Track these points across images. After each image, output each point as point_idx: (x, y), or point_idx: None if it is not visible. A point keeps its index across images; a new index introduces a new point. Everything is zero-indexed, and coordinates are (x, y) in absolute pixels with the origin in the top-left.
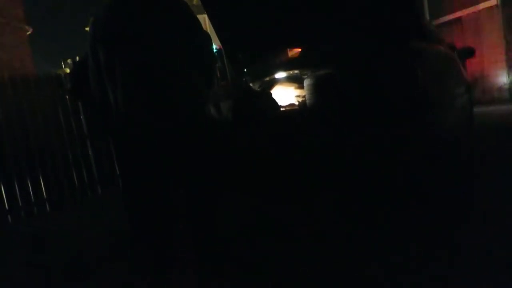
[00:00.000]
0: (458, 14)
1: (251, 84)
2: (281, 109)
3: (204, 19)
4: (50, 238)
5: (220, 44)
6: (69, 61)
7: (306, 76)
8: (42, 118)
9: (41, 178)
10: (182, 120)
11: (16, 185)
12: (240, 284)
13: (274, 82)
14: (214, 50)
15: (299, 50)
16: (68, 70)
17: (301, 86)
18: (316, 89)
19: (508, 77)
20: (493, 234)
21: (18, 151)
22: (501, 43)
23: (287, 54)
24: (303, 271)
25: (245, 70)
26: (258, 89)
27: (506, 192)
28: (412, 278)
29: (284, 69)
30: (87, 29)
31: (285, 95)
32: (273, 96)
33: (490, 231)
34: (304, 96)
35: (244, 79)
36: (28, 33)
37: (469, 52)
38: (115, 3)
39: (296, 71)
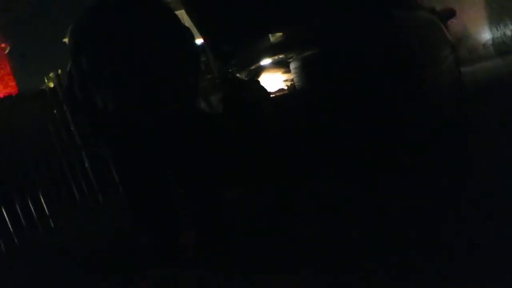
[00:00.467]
0: None
1: (238, 75)
2: (271, 95)
3: (181, 14)
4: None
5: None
6: (51, 75)
7: (291, 60)
8: (31, 135)
9: (40, 195)
10: (172, 114)
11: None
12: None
13: (260, 69)
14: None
15: (281, 33)
16: (52, 85)
17: (287, 70)
18: (303, 71)
19: (491, 32)
20: None
21: (12, 169)
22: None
23: (270, 39)
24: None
25: (230, 61)
26: (246, 79)
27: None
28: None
29: (269, 55)
30: (65, 40)
31: (273, 81)
32: (261, 83)
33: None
34: (292, 80)
35: (230, 70)
36: (5, 51)
37: (450, 13)
38: (94, 8)
39: (281, 56)
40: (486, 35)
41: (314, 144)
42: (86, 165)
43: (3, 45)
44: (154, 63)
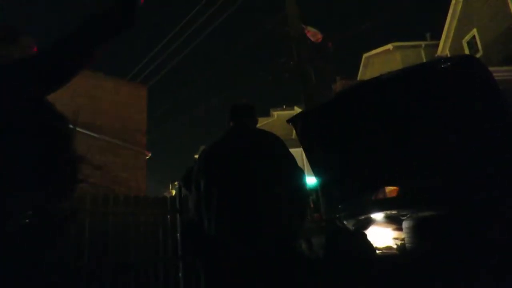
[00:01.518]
0: None
1: (345, 222)
2: (377, 251)
3: (300, 153)
4: None
5: (314, 177)
6: (176, 183)
7: (405, 217)
8: (144, 234)
9: None
10: (270, 251)
11: None
12: None
13: (369, 221)
14: (308, 185)
15: (397, 188)
16: (174, 192)
17: (399, 228)
18: (417, 232)
19: None
20: None
21: (118, 260)
22: None
23: (384, 192)
24: None
25: (339, 206)
26: (353, 228)
27: None
28: None
29: (381, 208)
30: (196, 156)
31: (382, 236)
32: (368, 237)
33: None
34: (403, 239)
35: (338, 215)
36: (147, 157)
37: None
38: (224, 139)
39: (393, 211)
40: None
41: None
42: (180, 274)
43: (146, 152)
44: (263, 199)
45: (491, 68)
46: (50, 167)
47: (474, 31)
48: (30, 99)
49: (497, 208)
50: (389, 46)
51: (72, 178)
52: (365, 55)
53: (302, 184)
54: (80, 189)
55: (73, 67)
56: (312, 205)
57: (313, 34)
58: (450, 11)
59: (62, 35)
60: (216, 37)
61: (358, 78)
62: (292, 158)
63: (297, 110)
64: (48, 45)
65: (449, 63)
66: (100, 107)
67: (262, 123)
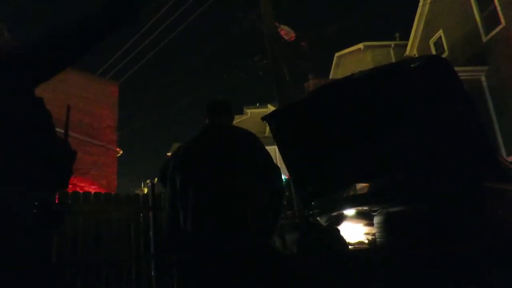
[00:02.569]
0: None
1: (318, 218)
2: (349, 246)
3: (274, 150)
4: None
5: (288, 174)
6: (148, 182)
7: (375, 213)
8: (115, 233)
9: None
10: (247, 247)
11: None
12: None
13: (341, 217)
14: (283, 180)
15: (368, 185)
16: (146, 190)
17: (370, 223)
18: (386, 227)
19: None
20: None
21: (88, 259)
22: None
23: (356, 188)
24: None
25: (312, 202)
26: (325, 224)
27: None
28: None
29: (352, 205)
30: (169, 154)
31: (353, 232)
32: (340, 232)
33: None
34: (374, 234)
35: (311, 212)
36: (118, 155)
37: None
38: (200, 136)
39: (364, 207)
40: None
41: None
42: (153, 273)
43: (117, 149)
44: (238, 192)
45: (457, 68)
46: (51, 160)
47: (441, 32)
48: (24, 93)
49: (462, 203)
50: (360, 46)
51: (68, 171)
52: (337, 54)
53: (278, 180)
54: None
55: (66, 62)
56: (285, 202)
57: (286, 32)
58: (418, 12)
59: (59, 28)
60: (190, 34)
61: (330, 77)
62: (267, 154)
63: (271, 108)
64: (40, 37)
65: (417, 63)
66: (68, 102)
67: (236, 120)
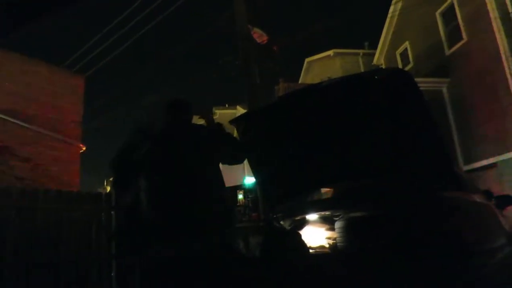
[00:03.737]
0: (492, 159)
1: (282, 222)
2: (310, 251)
3: None
4: None
5: (254, 177)
6: (111, 179)
7: (337, 218)
8: (76, 232)
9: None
10: (209, 248)
11: None
12: None
13: (304, 221)
14: (248, 183)
15: (331, 190)
16: (109, 189)
17: (332, 228)
18: (347, 232)
19: None
20: None
21: (47, 259)
22: None
23: (320, 194)
24: None
25: (277, 206)
26: (289, 227)
27: None
28: None
29: (316, 209)
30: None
31: (315, 236)
32: (302, 236)
33: None
34: (335, 239)
35: (275, 215)
36: (81, 151)
37: (509, 200)
38: (159, 135)
39: (327, 212)
40: None
41: None
42: (113, 274)
43: (81, 145)
44: (203, 192)
45: (420, 79)
46: None
47: (407, 44)
48: None
49: (423, 209)
50: (330, 52)
51: None
52: (307, 60)
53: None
54: (5, 181)
55: None
56: (250, 205)
57: (259, 35)
58: (386, 23)
59: None
60: (161, 31)
61: (300, 81)
62: (227, 136)
63: (240, 109)
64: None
65: (382, 75)
66: (31, 94)
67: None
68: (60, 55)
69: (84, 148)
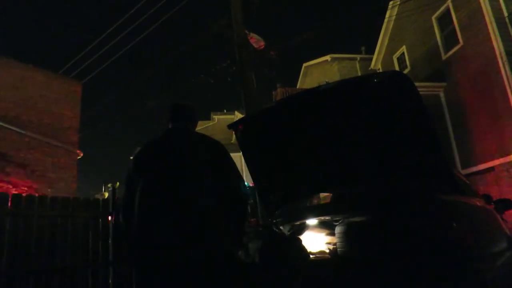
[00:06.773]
0: (490, 163)
1: (281, 227)
2: (310, 256)
3: (240, 157)
4: None
5: (252, 182)
6: (109, 185)
7: (337, 223)
8: (73, 238)
9: None
10: (207, 255)
11: None
12: None
13: (304, 226)
14: (247, 187)
15: (331, 195)
16: (106, 195)
17: (332, 233)
18: (347, 237)
19: None
20: None
21: (42, 266)
22: None
23: (319, 198)
24: None
25: (276, 211)
26: (288, 233)
27: None
28: None
29: (315, 214)
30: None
31: (315, 241)
32: (303, 242)
33: None
34: (335, 244)
35: (274, 220)
36: (78, 157)
37: (508, 204)
38: (161, 140)
39: (327, 217)
40: None
41: None
42: (110, 281)
43: (78, 151)
44: (200, 197)
45: (416, 83)
46: None
47: (404, 48)
48: None
49: (423, 213)
50: (327, 57)
51: None
52: (304, 65)
53: (240, 188)
54: (0, 188)
55: None
56: (249, 210)
57: (256, 41)
58: (383, 28)
59: None
60: (159, 37)
61: (298, 86)
62: (230, 162)
63: (238, 114)
64: None
65: (380, 78)
66: (28, 101)
67: (203, 126)
68: (58, 61)
69: (81, 154)
